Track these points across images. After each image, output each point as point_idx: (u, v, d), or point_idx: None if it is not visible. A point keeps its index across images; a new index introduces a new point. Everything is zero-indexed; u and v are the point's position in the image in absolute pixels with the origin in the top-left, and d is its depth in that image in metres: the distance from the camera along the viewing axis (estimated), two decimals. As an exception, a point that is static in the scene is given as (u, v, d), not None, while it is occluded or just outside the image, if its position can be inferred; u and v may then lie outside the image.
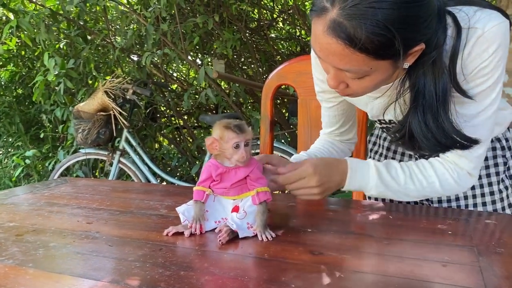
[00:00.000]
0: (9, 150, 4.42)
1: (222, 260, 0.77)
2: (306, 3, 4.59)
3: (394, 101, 0.95)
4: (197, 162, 3.65)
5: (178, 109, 4.19)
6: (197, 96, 3.42)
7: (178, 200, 1.19)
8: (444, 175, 1.00)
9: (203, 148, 3.74)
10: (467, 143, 0.91)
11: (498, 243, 0.84)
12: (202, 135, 4.26)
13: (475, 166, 0.99)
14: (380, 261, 0.76)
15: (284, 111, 4.62)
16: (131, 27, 3.56)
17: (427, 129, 0.89)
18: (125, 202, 1.18)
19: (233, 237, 0.87)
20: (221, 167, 0.90)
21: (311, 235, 0.90)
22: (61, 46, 3.39)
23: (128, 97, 3.03)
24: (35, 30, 3.07)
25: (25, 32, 3.13)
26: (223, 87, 4.12)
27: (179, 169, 4.18)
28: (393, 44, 0.76)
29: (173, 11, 2.97)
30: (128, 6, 3.37)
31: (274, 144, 2.76)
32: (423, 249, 0.81)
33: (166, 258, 0.77)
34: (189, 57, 3.47)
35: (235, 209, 0.92)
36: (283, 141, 3.37)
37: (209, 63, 3.06)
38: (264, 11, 4.67)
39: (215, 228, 0.92)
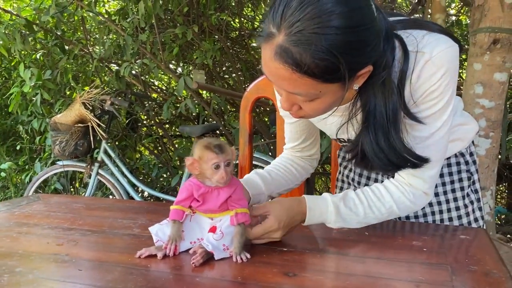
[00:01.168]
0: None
1: (195, 284, 0.75)
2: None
3: (347, 121, 0.95)
4: (178, 172, 3.62)
5: (158, 118, 4.16)
6: (178, 105, 3.40)
7: (152, 218, 1.16)
8: (400, 198, 0.99)
9: (183, 158, 3.72)
10: (418, 162, 0.92)
11: (471, 260, 0.84)
12: (183, 144, 4.23)
13: (430, 186, 0.99)
14: (355, 282, 0.75)
15: (266, 119, 4.62)
16: (110, 36, 3.53)
17: (379, 148, 0.89)
18: (97, 220, 1.15)
19: (208, 258, 0.85)
20: (203, 187, 0.89)
21: (286, 254, 0.89)
22: (38, 57, 3.33)
23: (106, 108, 2.99)
24: (10, 41, 3.01)
25: (0, 43, 3.07)
26: (204, 97, 4.11)
27: (160, 179, 4.13)
28: (338, 68, 0.76)
29: (152, 21, 2.95)
30: (106, 16, 3.33)
31: (255, 155, 2.76)
32: (398, 269, 0.80)
33: (136, 283, 0.75)
34: (169, 68, 3.45)
35: (212, 229, 0.90)
36: (263, 151, 3.36)
37: (189, 73, 3.04)
38: (245, 21, 4.68)
39: (190, 249, 0.90)
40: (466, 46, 4.12)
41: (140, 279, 0.77)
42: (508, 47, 1.81)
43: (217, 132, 3.32)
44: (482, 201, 1.20)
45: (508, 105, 2.41)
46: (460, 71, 4.81)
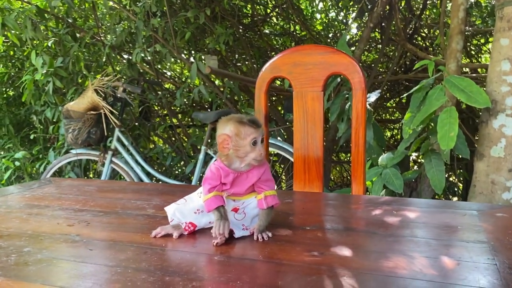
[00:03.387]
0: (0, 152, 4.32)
1: (213, 263, 0.70)
2: (300, -3, 4.53)
3: None
4: (191, 161, 3.58)
5: (172, 107, 4.11)
6: (190, 94, 3.34)
7: (167, 199, 1.12)
8: None
9: (198, 147, 3.67)
10: None
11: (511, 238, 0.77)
12: (196, 133, 4.18)
13: None
14: (387, 260, 0.69)
15: (279, 108, 4.55)
16: (121, 24, 3.48)
17: None
18: (110, 202, 1.10)
19: (227, 239, 0.80)
20: (232, 173, 0.82)
21: (310, 233, 0.83)
22: (50, 45, 3.29)
23: (118, 95, 2.95)
24: (22, 28, 2.98)
25: (12, 31, 3.04)
26: (217, 85, 4.05)
27: (174, 169, 4.09)
28: None
29: (164, 7, 2.89)
30: (117, 1, 3.28)
31: (270, 141, 2.69)
32: (433, 247, 0.74)
33: (150, 262, 0.70)
34: (181, 53, 3.39)
35: (234, 209, 0.85)
36: (279, 138, 3.30)
37: (202, 59, 2.98)
38: (258, 7, 4.60)
39: (208, 228, 0.85)
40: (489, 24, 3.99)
41: (155, 258, 0.72)
42: (538, 20, 1.71)
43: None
44: None
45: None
46: (486, 48, 4.67)
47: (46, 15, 3.20)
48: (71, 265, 0.70)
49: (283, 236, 0.82)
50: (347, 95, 2.38)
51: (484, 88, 1.89)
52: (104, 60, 3.56)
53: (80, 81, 3.53)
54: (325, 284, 0.61)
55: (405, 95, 2.06)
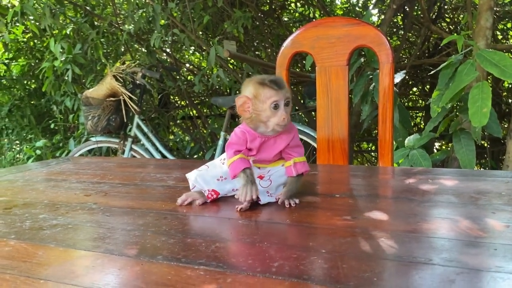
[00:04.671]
0: (22, 142, 4.37)
1: (237, 226, 0.65)
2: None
3: None
4: (210, 149, 3.55)
5: (191, 97, 4.08)
6: (209, 81, 3.31)
7: (188, 171, 1.07)
8: None
9: (218, 136, 3.63)
10: None
11: None
12: (215, 123, 4.15)
13: None
14: (426, 223, 0.63)
15: (299, 97, 4.47)
16: (139, 12, 3.46)
17: None
18: (129, 175, 1.06)
19: (252, 204, 0.75)
20: (259, 137, 0.75)
21: (340, 200, 0.77)
22: (68, 33, 3.29)
23: (137, 81, 2.92)
24: (40, 16, 2.98)
25: (31, 19, 3.04)
26: (236, 71, 4.00)
27: (194, 157, 4.08)
28: None
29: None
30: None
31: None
32: (476, 211, 0.67)
33: (171, 226, 0.65)
34: (200, 38, 3.34)
35: (259, 177, 0.79)
36: (300, 122, 3.23)
37: (221, 44, 2.93)
38: (277, -7, 4.52)
39: (232, 196, 0.80)
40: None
41: (176, 222, 0.67)
42: None
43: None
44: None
45: None
46: None
47: (65, 2, 3.20)
48: (87, 229, 0.66)
49: (311, 202, 0.76)
50: (371, 76, 2.30)
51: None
52: (122, 49, 3.54)
53: (98, 68, 3.53)
54: (362, 245, 0.55)
55: (432, 72, 1.97)
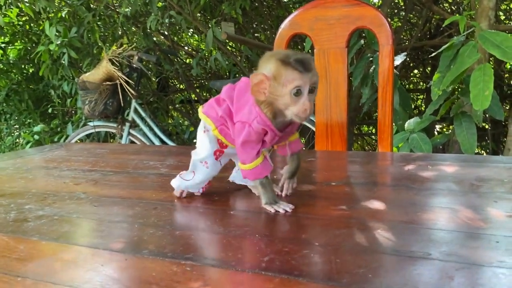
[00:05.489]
0: (21, 127, 4.35)
1: (228, 217, 0.63)
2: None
3: None
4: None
5: (189, 80, 4.03)
6: (208, 64, 3.26)
7: (182, 159, 1.05)
8: None
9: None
10: None
11: None
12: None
13: None
14: (425, 213, 0.60)
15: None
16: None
17: None
18: (122, 163, 1.04)
19: (243, 194, 0.72)
20: (277, 135, 0.64)
21: (336, 188, 0.75)
22: (64, 16, 3.23)
23: (134, 65, 2.88)
24: (35, -2, 2.92)
25: (26, 1, 2.99)
26: (235, 53, 3.94)
27: (193, 141, 4.05)
28: None
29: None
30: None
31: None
32: (478, 200, 0.65)
33: (160, 217, 0.63)
34: (197, 20, 3.28)
35: None
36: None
37: (218, 26, 2.88)
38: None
39: (223, 183, 0.77)
40: None
41: (165, 213, 0.65)
42: None
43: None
44: None
45: None
46: None
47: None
48: (73, 220, 0.64)
49: (306, 191, 0.74)
50: (371, 58, 2.26)
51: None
52: (120, 32, 3.49)
53: (95, 52, 3.48)
54: (357, 237, 0.53)
55: (434, 54, 1.93)
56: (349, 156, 1.02)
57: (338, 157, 1.02)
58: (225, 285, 0.43)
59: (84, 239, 0.56)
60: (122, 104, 2.95)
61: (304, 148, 0.98)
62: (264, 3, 4.29)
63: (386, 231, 0.54)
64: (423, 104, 4.91)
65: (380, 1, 4.40)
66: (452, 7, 4.41)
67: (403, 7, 4.47)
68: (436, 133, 4.12)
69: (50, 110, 3.85)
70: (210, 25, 2.82)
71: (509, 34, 1.61)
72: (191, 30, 3.99)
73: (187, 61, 4.27)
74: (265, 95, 0.60)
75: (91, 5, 3.38)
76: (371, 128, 5.04)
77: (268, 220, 0.61)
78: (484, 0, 2.28)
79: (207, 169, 0.70)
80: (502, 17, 4.52)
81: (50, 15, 3.31)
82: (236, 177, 0.77)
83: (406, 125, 1.97)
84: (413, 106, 5.12)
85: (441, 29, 4.14)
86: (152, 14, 2.98)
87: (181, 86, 4.45)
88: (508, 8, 4.58)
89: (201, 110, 0.70)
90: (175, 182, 0.72)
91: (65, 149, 1.26)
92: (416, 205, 0.64)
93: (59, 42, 2.93)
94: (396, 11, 4.69)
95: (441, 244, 0.50)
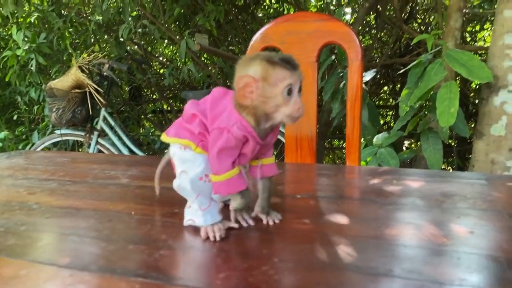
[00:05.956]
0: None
1: (187, 231, 0.60)
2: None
3: None
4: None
5: (162, 91, 3.99)
6: (180, 75, 3.23)
7: (145, 170, 1.02)
8: None
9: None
10: None
11: (530, 207, 0.68)
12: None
13: None
14: (389, 228, 0.59)
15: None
16: (108, 2, 3.34)
17: None
18: (82, 172, 1.00)
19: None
20: (257, 140, 0.58)
21: (301, 201, 0.73)
22: (32, 21, 3.15)
23: (104, 73, 2.82)
24: (2, 2, 2.84)
25: (-8, 5, 2.90)
26: (209, 65, 3.93)
27: (164, 152, 3.99)
28: None
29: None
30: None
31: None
32: (441, 215, 0.64)
33: (114, 230, 0.60)
34: (171, 30, 3.25)
35: None
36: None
37: (192, 37, 2.86)
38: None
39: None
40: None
41: (120, 226, 0.62)
42: (546, -10, 1.61)
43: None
44: None
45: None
46: (481, 35, 4.59)
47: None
48: (20, 233, 0.60)
49: (271, 204, 0.72)
50: (341, 74, 2.28)
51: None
52: (91, 40, 3.42)
53: (65, 59, 3.40)
54: (318, 253, 0.51)
55: (402, 71, 1.96)
56: (317, 169, 1.01)
57: (306, 170, 1.00)
58: (176, 303, 0.41)
59: (28, 253, 0.52)
60: (91, 113, 2.88)
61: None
62: (239, 17, 4.31)
63: (348, 246, 0.53)
64: (392, 120, 5.00)
65: (353, 19, 4.49)
66: (422, 27, 4.54)
67: (374, 25, 4.57)
68: (404, 149, 4.20)
69: (16, 117, 3.72)
70: (183, 36, 2.80)
71: (475, 54, 1.66)
72: (165, 41, 3.96)
73: (161, 71, 4.22)
74: (251, 99, 0.56)
75: (63, 12, 3.32)
76: (341, 142, 5.09)
77: (228, 235, 0.58)
78: (450, 21, 2.35)
79: (210, 183, 0.60)
80: (468, 39, 4.68)
81: (19, 20, 3.23)
82: (223, 197, 0.66)
83: (374, 140, 1.99)
84: (382, 122, 5.21)
85: (410, 47, 4.24)
86: (125, 22, 2.94)
87: (154, 96, 4.40)
88: (473, 30, 4.75)
89: (166, 136, 0.62)
90: (198, 218, 0.60)
91: (24, 157, 1.20)
92: (380, 219, 0.63)
93: (27, 47, 2.85)
94: (367, 29, 4.79)
95: (404, 260, 0.49)
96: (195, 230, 0.59)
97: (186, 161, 0.60)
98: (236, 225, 0.61)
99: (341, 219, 0.63)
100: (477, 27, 4.66)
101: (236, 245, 0.55)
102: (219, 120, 0.58)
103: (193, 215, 0.60)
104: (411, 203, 0.71)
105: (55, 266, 0.48)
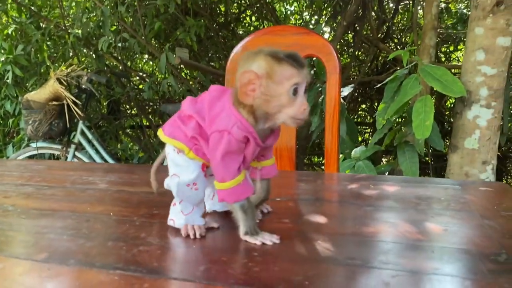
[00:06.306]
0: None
1: (166, 230, 0.60)
2: (274, -4, 4.49)
3: None
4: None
5: (142, 105, 3.97)
6: (160, 88, 3.23)
7: (124, 176, 1.01)
8: None
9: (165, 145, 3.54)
10: None
11: (500, 207, 0.70)
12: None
13: None
14: (366, 226, 0.60)
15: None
16: (89, 16, 3.34)
17: None
18: (59, 178, 0.98)
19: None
20: (257, 141, 0.55)
21: (281, 203, 0.74)
22: (10, 33, 3.12)
23: (83, 85, 2.79)
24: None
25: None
26: (189, 80, 3.94)
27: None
28: None
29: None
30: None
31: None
32: (416, 215, 0.66)
33: (92, 229, 0.59)
34: (151, 44, 3.26)
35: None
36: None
37: (172, 51, 2.87)
38: (232, 6, 4.53)
39: (168, 198, 0.74)
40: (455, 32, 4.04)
41: (98, 225, 0.61)
42: (513, 9, 1.69)
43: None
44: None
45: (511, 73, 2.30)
46: (455, 55, 4.74)
47: (8, 1, 3.03)
48: (-4, 232, 0.59)
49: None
50: (320, 88, 2.32)
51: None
52: (70, 54, 3.40)
53: (42, 71, 3.36)
54: (297, 248, 0.52)
55: (378, 86, 2.01)
56: (297, 175, 1.02)
57: (287, 176, 1.01)
58: (155, 293, 0.41)
59: (4, 249, 0.51)
60: (68, 125, 2.84)
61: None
62: (220, 33, 4.35)
63: (326, 242, 0.54)
64: (370, 137, 5.08)
65: (331, 37, 4.58)
66: (398, 46, 4.67)
67: (352, 44, 4.68)
68: (383, 162, 4.27)
69: (-11, 130, 3.64)
70: (164, 50, 2.80)
71: (449, 71, 1.72)
72: (146, 56, 3.96)
73: (140, 86, 4.21)
74: (253, 98, 0.52)
75: (41, 24, 3.29)
76: (321, 158, 5.14)
77: (208, 232, 0.58)
78: (425, 39, 2.43)
79: (197, 191, 0.59)
80: (443, 59, 4.83)
81: (-5, 31, 3.19)
82: (214, 204, 0.67)
83: (352, 153, 2.02)
84: (360, 139, 5.30)
85: (388, 66, 4.36)
86: (105, 35, 2.93)
87: (133, 111, 4.37)
88: (448, 50, 4.91)
89: (162, 133, 0.59)
90: (179, 220, 0.59)
91: (-2, 165, 1.18)
92: (357, 219, 0.64)
93: (3, 58, 2.81)
94: (345, 47, 4.90)
95: (380, 253, 0.50)
96: (175, 229, 0.59)
97: (179, 165, 0.58)
98: (216, 225, 0.61)
99: (320, 219, 0.64)
100: (451, 48, 4.82)
101: (215, 241, 0.55)
102: (217, 121, 0.54)
103: (175, 215, 0.60)
104: (388, 205, 0.72)
105: (31, 261, 0.48)
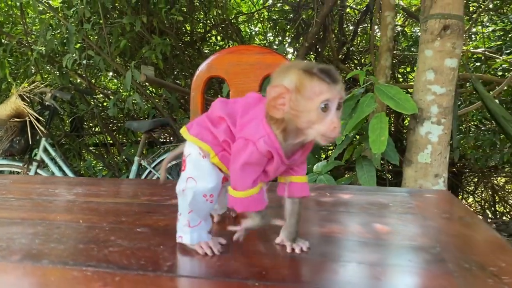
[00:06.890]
0: None
1: (135, 233, 0.64)
2: (240, 18, 4.61)
3: None
4: (124, 174, 3.42)
5: (106, 123, 3.94)
6: (125, 106, 3.23)
7: (91, 188, 1.03)
8: None
9: (132, 162, 3.53)
10: None
11: (442, 210, 0.78)
12: (132, 149, 4.03)
13: None
14: (320, 227, 0.66)
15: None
16: (53, 32, 3.32)
17: None
18: (25, 191, 1.00)
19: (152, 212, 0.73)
20: (282, 158, 0.54)
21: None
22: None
23: (46, 102, 2.77)
24: None
25: None
26: (153, 97, 3.95)
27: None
28: None
29: (98, 9, 2.79)
30: (48, 5, 3.14)
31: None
32: (367, 218, 0.73)
33: (63, 235, 0.62)
34: (116, 62, 3.27)
35: (224, 178, 0.61)
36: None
37: (138, 68, 2.90)
38: (197, 25, 4.61)
39: (137, 206, 0.78)
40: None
41: (69, 231, 0.64)
42: (458, 33, 1.83)
43: (167, 127, 3.15)
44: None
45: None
46: (411, 76, 4.97)
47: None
48: (-32, 238, 0.61)
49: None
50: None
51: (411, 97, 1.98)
52: (33, 71, 3.36)
53: (3, 87, 3.31)
54: (255, 245, 0.57)
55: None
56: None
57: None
58: (125, 284, 0.45)
59: (-22, 253, 0.54)
60: (30, 142, 2.80)
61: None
62: (186, 52, 4.41)
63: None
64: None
65: (293, 58, 4.73)
66: (358, 67, 4.87)
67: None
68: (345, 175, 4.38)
69: None
70: (129, 67, 2.83)
71: (404, 91, 1.84)
72: (110, 73, 3.96)
73: (105, 103, 4.19)
74: (282, 112, 0.51)
75: (3, 40, 3.25)
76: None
77: (171, 235, 0.63)
78: (381, 60, 2.57)
79: (211, 204, 0.57)
80: (401, 79, 5.07)
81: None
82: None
83: (314, 168, 2.10)
84: (324, 156, 5.42)
85: (348, 85, 4.53)
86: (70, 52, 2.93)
87: (97, 129, 4.33)
88: (405, 71, 5.16)
89: (187, 131, 0.57)
90: (186, 236, 0.57)
91: (-39, 179, 1.17)
92: (311, 221, 0.70)
93: (-38, 74, 2.76)
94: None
95: (333, 248, 0.56)
96: (145, 233, 0.63)
97: (200, 170, 0.56)
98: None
99: (279, 222, 0.70)
100: (408, 69, 5.07)
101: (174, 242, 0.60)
102: (246, 129, 0.53)
103: (181, 231, 0.58)
104: (342, 210, 0.79)
105: (6, 262, 0.50)
